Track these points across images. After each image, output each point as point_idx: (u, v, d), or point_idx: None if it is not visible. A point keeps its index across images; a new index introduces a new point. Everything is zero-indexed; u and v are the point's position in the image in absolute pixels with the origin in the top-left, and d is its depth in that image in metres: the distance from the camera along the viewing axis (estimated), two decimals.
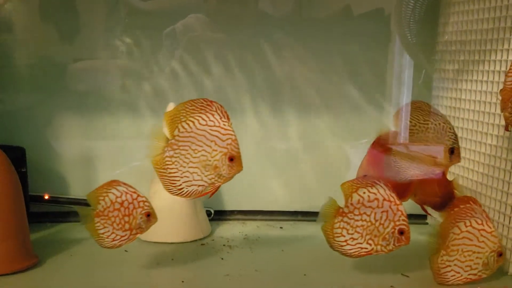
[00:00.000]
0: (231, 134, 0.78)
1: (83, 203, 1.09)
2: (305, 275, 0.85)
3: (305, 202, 1.17)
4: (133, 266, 0.89)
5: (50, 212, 1.10)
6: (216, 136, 0.77)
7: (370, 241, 0.80)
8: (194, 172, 0.78)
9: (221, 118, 0.78)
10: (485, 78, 0.95)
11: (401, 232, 0.79)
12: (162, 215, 0.99)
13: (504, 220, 0.87)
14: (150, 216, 0.82)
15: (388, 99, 1.15)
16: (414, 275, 0.85)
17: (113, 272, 0.86)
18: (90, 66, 1.11)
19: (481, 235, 0.79)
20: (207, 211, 1.11)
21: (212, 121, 0.77)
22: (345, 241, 0.80)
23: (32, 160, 1.06)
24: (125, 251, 0.94)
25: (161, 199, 1.00)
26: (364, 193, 0.80)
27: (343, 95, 1.14)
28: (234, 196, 1.16)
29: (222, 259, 0.92)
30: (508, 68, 0.78)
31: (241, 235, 1.05)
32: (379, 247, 0.80)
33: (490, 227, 0.80)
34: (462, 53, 1.03)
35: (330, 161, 1.16)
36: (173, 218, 0.99)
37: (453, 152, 0.79)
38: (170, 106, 1.01)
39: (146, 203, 0.82)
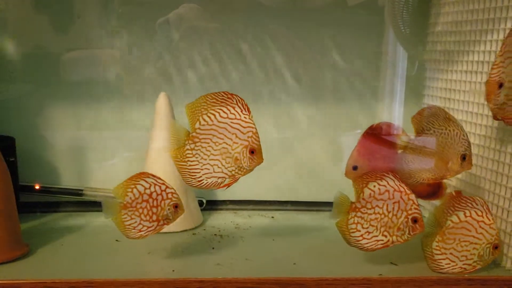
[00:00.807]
0: (252, 127, 0.79)
1: (74, 193, 1.10)
2: (295, 264, 0.86)
3: (296, 192, 1.17)
4: (124, 255, 0.89)
5: (41, 202, 1.10)
6: (237, 129, 0.79)
7: (385, 233, 0.81)
8: (214, 164, 0.80)
9: (242, 111, 0.79)
10: (474, 69, 0.96)
11: (415, 220, 0.80)
12: None
13: (496, 211, 0.88)
14: (177, 208, 0.83)
15: (382, 90, 1.16)
16: (403, 263, 0.86)
17: (104, 261, 0.86)
18: (82, 56, 1.10)
19: (480, 227, 0.80)
20: (199, 201, 1.12)
21: (233, 114, 0.79)
22: (361, 235, 0.82)
23: (22, 149, 1.06)
24: (117, 240, 0.95)
25: None
26: (374, 186, 0.81)
27: (336, 85, 1.14)
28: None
29: (213, 248, 0.92)
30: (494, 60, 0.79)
31: (232, 224, 1.06)
32: (394, 237, 0.81)
33: (489, 219, 0.80)
34: (452, 43, 1.03)
35: (322, 151, 1.17)
36: None
37: (465, 158, 0.81)
38: (162, 96, 1.00)
39: (174, 195, 0.82)
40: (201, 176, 0.80)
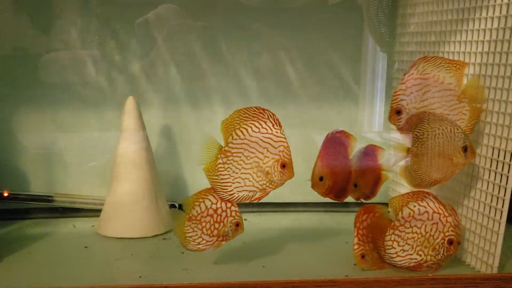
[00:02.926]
0: (283, 141, 0.80)
1: (44, 199, 1.09)
2: (263, 266, 0.86)
3: (271, 193, 1.17)
4: (92, 262, 0.89)
5: (10, 209, 1.08)
6: (269, 143, 0.80)
7: (420, 252, 0.82)
8: (246, 178, 0.81)
9: (273, 126, 0.80)
10: None
11: (450, 242, 0.82)
12: (122, 210, 0.99)
13: (462, 211, 0.90)
14: (238, 226, 0.84)
15: (363, 89, 1.16)
16: None
17: (72, 269, 0.85)
18: (58, 58, 1.09)
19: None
20: (172, 205, 1.11)
21: (264, 128, 0.80)
22: (396, 253, 0.83)
23: None
24: (85, 247, 0.94)
25: (121, 194, 0.99)
26: (414, 206, 0.83)
27: (317, 84, 1.14)
28: (199, 188, 1.16)
29: (182, 253, 0.92)
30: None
31: None
32: (428, 257, 0.82)
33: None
34: (419, 44, 1.04)
35: (301, 152, 1.17)
36: (134, 213, 0.99)
37: (467, 149, 0.82)
38: (130, 100, 1.00)
39: (237, 213, 0.84)
40: (232, 190, 0.82)
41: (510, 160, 0.79)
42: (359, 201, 0.93)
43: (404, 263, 0.83)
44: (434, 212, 0.83)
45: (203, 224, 0.83)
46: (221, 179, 0.82)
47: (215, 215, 0.83)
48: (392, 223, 0.83)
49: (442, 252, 0.82)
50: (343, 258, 0.89)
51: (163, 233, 1.02)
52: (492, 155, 0.83)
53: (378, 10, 1.15)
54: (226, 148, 0.82)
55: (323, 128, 1.16)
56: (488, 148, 0.84)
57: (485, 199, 0.84)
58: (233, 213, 0.84)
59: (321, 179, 0.88)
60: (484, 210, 0.84)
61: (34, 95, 1.08)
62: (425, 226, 0.82)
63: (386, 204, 1.16)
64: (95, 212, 1.07)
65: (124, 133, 1.00)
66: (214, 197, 0.83)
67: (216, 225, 0.84)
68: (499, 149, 0.81)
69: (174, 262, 0.88)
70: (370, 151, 0.91)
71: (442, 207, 0.83)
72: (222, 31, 1.10)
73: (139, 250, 0.93)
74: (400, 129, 0.85)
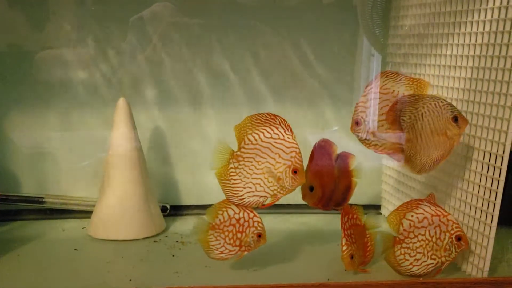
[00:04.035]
0: (295, 147, 0.80)
1: (34, 200, 1.08)
2: (255, 270, 0.86)
3: None
4: (83, 265, 0.88)
5: (1, 210, 1.07)
6: (281, 149, 0.80)
7: (433, 256, 0.83)
8: (257, 183, 0.81)
9: (285, 132, 0.80)
10: (432, 73, 0.97)
11: (459, 238, 0.82)
12: (114, 212, 0.99)
13: (458, 217, 0.90)
14: (260, 237, 0.84)
15: (357, 87, 1.16)
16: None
17: (61, 272, 0.85)
18: (49, 57, 1.07)
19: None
20: (163, 206, 1.11)
21: (276, 134, 0.80)
22: (411, 263, 0.83)
23: None
24: (75, 249, 0.94)
25: (112, 196, 0.99)
26: (412, 216, 0.83)
27: (311, 83, 1.14)
28: (191, 190, 1.16)
29: (173, 256, 0.92)
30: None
31: None
32: (443, 258, 0.83)
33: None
34: (413, 46, 1.04)
35: None
36: (125, 215, 0.98)
37: (457, 119, 0.81)
38: (121, 101, 0.99)
39: (260, 224, 0.84)
40: (243, 195, 0.82)
41: (501, 164, 0.79)
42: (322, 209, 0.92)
43: (423, 270, 0.83)
44: (432, 215, 0.83)
45: (226, 233, 0.83)
46: (232, 183, 0.82)
47: (237, 225, 0.83)
48: (397, 239, 0.84)
49: (454, 250, 0.82)
50: (327, 261, 0.89)
51: (154, 235, 1.01)
52: (484, 159, 0.83)
53: (372, 11, 1.14)
54: (238, 153, 0.82)
55: (315, 128, 1.16)
56: (480, 152, 0.84)
57: (476, 203, 0.84)
58: (256, 224, 0.83)
59: (311, 189, 0.88)
60: (475, 214, 0.84)
61: (25, 95, 1.07)
62: (429, 231, 0.83)
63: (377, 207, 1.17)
64: (86, 214, 1.06)
65: (115, 134, 0.99)
66: (237, 206, 0.83)
67: (239, 235, 0.83)
68: (490, 153, 0.81)
69: (165, 265, 0.88)
70: (342, 157, 0.91)
71: (439, 209, 0.83)
72: (217, 30, 1.10)
73: (129, 252, 0.93)
74: (388, 119, 0.84)
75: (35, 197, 1.08)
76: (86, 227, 1.03)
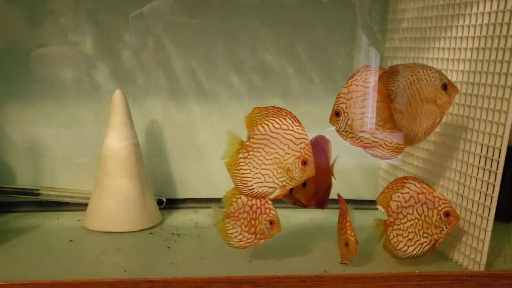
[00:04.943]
0: (305, 138, 0.79)
1: (29, 192, 1.08)
2: (250, 261, 0.86)
3: None
4: (78, 256, 0.87)
5: None
6: (290, 140, 0.79)
7: (425, 235, 0.82)
8: (266, 174, 0.81)
9: (293, 122, 0.80)
10: (436, 56, 0.96)
11: (447, 214, 0.81)
12: (109, 204, 0.98)
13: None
14: (273, 224, 0.82)
15: None
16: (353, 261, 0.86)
17: (56, 262, 0.84)
18: (46, 52, 1.07)
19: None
20: (159, 199, 1.10)
21: (285, 124, 0.80)
22: (405, 244, 0.83)
23: None
24: (71, 240, 0.93)
25: (108, 188, 0.98)
26: (398, 196, 0.83)
27: (310, 81, 1.14)
28: (187, 184, 1.16)
29: (168, 247, 0.91)
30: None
31: (191, 223, 1.05)
32: (435, 235, 0.82)
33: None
34: (409, 40, 1.04)
35: None
36: (120, 208, 0.98)
37: (447, 86, 0.80)
38: (117, 93, 0.99)
39: (272, 211, 0.82)
40: (252, 185, 0.82)
41: (499, 157, 0.79)
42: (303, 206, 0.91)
43: (419, 250, 0.83)
44: (418, 193, 0.83)
45: (241, 220, 0.83)
46: (242, 173, 0.82)
47: (250, 212, 0.83)
48: (387, 222, 0.83)
49: (444, 226, 0.82)
50: (323, 254, 0.89)
51: (150, 227, 1.01)
52: (481, 152, 0.82)
53: (371, 7, 1.14)
54: (247, 143, 0.81)
55: (315, 125, 1.16)
56: (477, 145, 0.83)
57: (474, 196, 0.83)
58: (267, 210, 0.82)
59: (304, 185, 0.87)
60: (472, 207, 0.84)
61: (21, 89, 1.06)
62: (416, 210, 0.82)
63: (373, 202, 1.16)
64: (81, 206, 1.06)
65: (111, 126, 0.98)
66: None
67: (253, 222, 0.83)
68: (487, 146, 0.81)
69: (160, 256, 0.87)
70: (319, 143, 0.89)
71: (425, 185, 0.83)
72: (215, 27, 1.09)
73: (125, 244, 0.92)
74: (379, 80, 0.82)
75: (30, 189, 1.08)
76: (82, 219, 1.02)
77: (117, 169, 0.99)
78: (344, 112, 0.82)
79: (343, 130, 0.83)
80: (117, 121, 0.98)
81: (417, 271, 0.79)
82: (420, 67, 0.80)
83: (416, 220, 0.82)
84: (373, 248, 0.89)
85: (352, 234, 0.81)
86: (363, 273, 0.77)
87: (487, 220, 0.80)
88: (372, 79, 0.81)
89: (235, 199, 0.83)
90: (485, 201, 0.81)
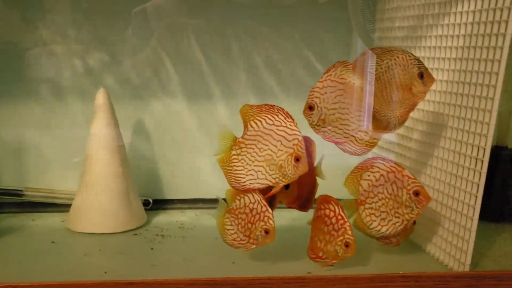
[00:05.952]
0: (298, 135, 0.78)
1: (14, 193, 1.07)
2: (233, 263, 0.85)
3: None
4: (60, 257, 0.86)
5: None
6: (283, 136, 0.78)
7: (397, 214, 0.82)
8: (259, 171, 0.80)
9: (285, 119, 0.79)
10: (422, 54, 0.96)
11: (417, 193, 0.81)
12: (92, 205, 0.97)
13: (435, 207, 0.89)
14: (268, 234, 0.81)
15: None
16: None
17: (37, 264, 0.83)
18: (30, 53, 1.06)
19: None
20: (145, 200, 1.09)
21: (278, 121, 0.79)
22: (378, 224, 0.83)
23: None
24: (52, 242, 0.92)
25: (92, 189, 0.97)
26: (368, 176, 0.83)
27: (306, 80, 1.13)
28: (174, 184, 1.15)
29: (152, 249, 0.90)
30: None
31: (177, 224, 1.04)
32: (406, 216, 0.82)
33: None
34: (397, 39, 1.03)
35: None
36: (104, 209, 0.97)
37: (423, 76, 0.79)
38: (101, 92, 0.98)
39: (270, 220, 0.81)
40: (245, 182, 0.81)
41: (483, 157, 0.78)
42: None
43: (392, 230, 0.82)
44: (388, 172, 0.82)
45: (239, 220, 0.82)
46: (235, 170, 0.81)
47: (250, 215, 0.82)
48: (359, 200, 0.83)
49: (415, 206, 0.81)
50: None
51: (135, 228, 1.00)
52: (466, 151, 0.81)
53: (364, 6, 1.13)
54: (240, 139, 0.81)
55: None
56: (462, 144, 0.82)
57: (458, 196, 0.83)
58: (265, 219, 0.81)
59: (286, 187, 0.86)
60: (457, 207, 0.83)
61: (4, 89, 1.05)
62: (386, 188, 0.82)
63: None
64: (66, 207, 1.04)
65: (95, 125, 0.97)
66: (253, 197, 0.82)
67: (249, 225, 0.82)
68: (472, 145, 0.80)
69: (142, 258, 0.86)
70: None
71: (394, 165, 0.82)
72: (211, 26, 1.09)
73: (107, 245, 0.91)
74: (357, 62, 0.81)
75: (14, 190, 1.06)
76: (65, 220, 1.01)
77: (101, 169, 0.97)
78: (317, 106, 0.81)
79: (316, 124, 0.82)
80: (101, 120, 0.97)
81: (401, 272, 0.79)
82: (400, 52, 0.79)
83: (387, 200, 0.81)
84: (356, 249, 0.88)
85: (353, 234, 0.80)
86: (347, 275, 0.77)
87: (472, 220, 0.80)
88: (347, 75, 0.80)
89: (238, 197, 0.83)
90: (469, 201, 0.80)
